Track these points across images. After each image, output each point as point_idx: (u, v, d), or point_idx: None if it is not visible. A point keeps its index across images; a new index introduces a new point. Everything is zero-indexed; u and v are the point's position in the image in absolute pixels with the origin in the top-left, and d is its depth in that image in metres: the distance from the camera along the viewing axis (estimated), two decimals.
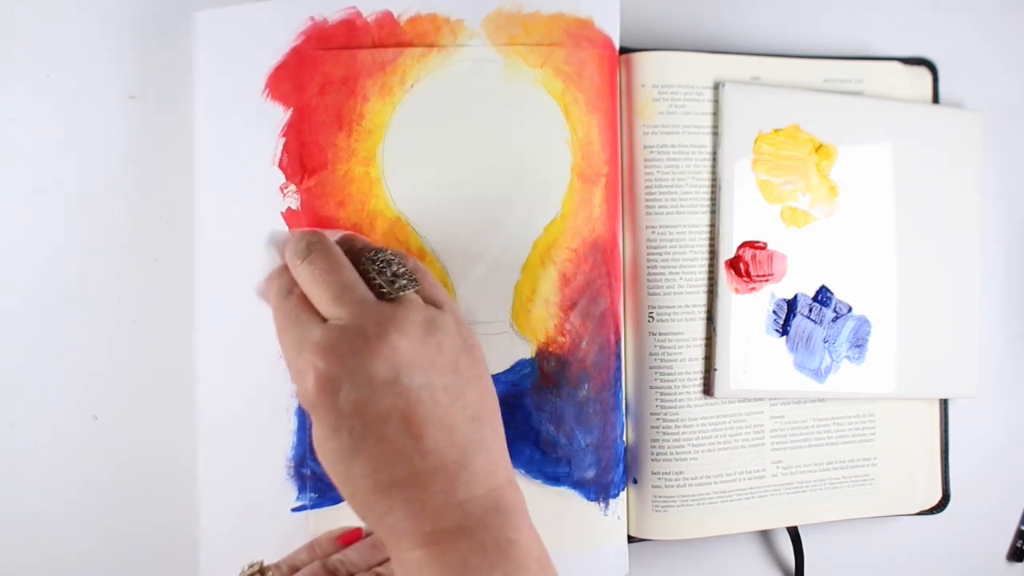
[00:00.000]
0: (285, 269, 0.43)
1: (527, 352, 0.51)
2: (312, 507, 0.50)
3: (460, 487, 0.38)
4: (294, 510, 0.50)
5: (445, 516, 0.38)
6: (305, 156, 0.50)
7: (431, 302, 0.42)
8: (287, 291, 0.41)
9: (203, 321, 0.50)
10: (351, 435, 0.37)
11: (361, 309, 0.39)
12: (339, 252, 0.42)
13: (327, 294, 0.40)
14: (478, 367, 0.41)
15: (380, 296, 0.41)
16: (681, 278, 0.54)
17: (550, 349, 0.52)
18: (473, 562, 0.37)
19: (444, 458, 0.38)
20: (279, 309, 0.41)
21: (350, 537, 0.50)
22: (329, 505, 0.50)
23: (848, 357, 0.57)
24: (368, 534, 0.50)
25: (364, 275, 0.41)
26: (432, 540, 0.38)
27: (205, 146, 0.50)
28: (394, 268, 0.42)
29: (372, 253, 0.42)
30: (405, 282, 0.41)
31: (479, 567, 0.37)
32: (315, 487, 0.50)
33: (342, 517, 0.50)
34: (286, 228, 0.48)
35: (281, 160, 0.50)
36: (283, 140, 0.50)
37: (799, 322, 0.56)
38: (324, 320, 0.40)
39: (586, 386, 0.52)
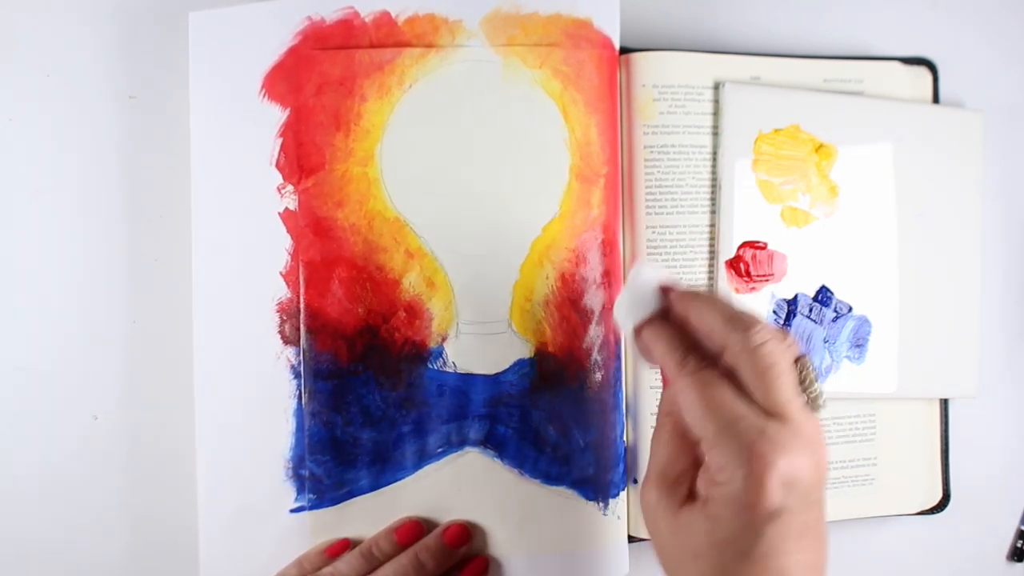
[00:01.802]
0: (674, 330, 0.42)
1: (526, 352, 0.51)
2: (310, 508, 0.50)
3: None
4: (292, 511, 0.50)
5: None
6: (303, 156, 0.50)
7: None
8: (705, 360, 0.40)
9: (201, 322, 0.50)
10: (766, 538, 0.37)
11: (807, 416, 0.39)
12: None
13: (781, 389, 0.38)
14: None
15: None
16: (681, 278, 0.54)
17: (549, 349, 0.52)
18: None
19: None
20: (701, 378, 0.40)
21: (338, 548, 0.50)
22: (327, 506, 0.50)
23: (848, 357, 0.57)
24: (355, 544, 0.50)
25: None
26: None
27: (201, 147, 0.50)
28: (818, 384, 0.41)
29: (805, 359, 0.41)
30: (822, 401, 0.41)
31: None
32: (313, 488, 0.50)
33: (340, 518, 0.50)
34: (653, 268, 0.45)
35: (279, 161, 0.50)
36: (280, 140, 0.50)
37: (799, 322, 0.56)
38: (754, 404, 0.39)
39: (585, 386, 0.52)
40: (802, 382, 0.40)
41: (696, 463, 0.41)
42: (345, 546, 0.50)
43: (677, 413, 0.42)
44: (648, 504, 0.42)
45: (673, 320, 0.43)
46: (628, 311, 0.44)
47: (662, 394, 0.45)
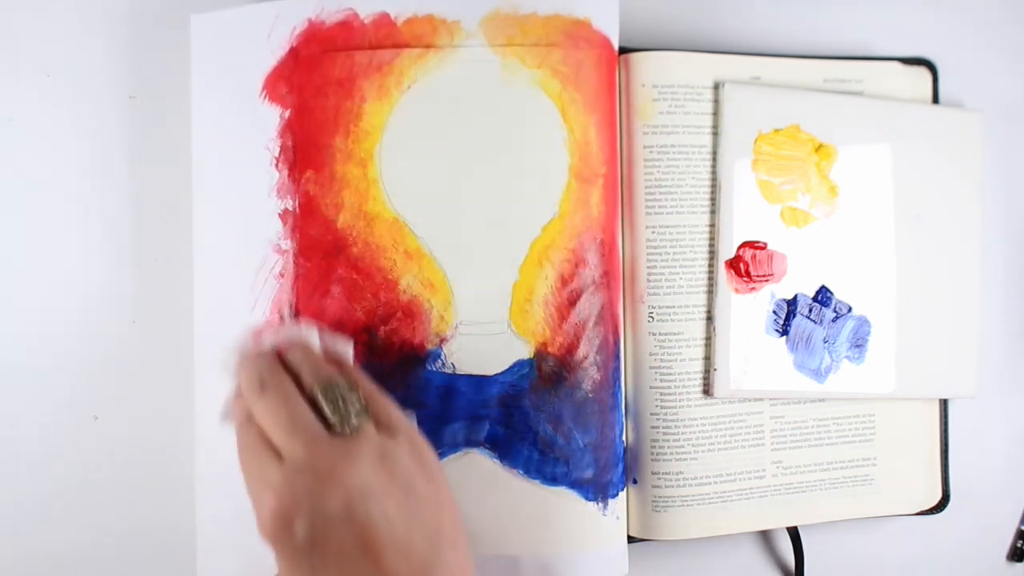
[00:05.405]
0: (242, 396, 0.44)
1: (525, 352, 0.51)
2: None
3: None
4: None
5: None
6: (303, 157, 0.50)
7: (385, 427, 0.42)
8: (246, 420, 0.42)
9: (201, 322, 0.50)
10: (312, 569, 0.38)
11: (313, 446, 0.40)
12: (291, 386, 0.42)
13: (281, 429, 0.41)
14: (434, 487, 0.42)
15: (332, 429, 0.41)
16: (681, 278, 0.54)
17: (548, 349, 0.52)
18: None
19: None
20: (240, 439, 0.42)
21: None
22: None
23: (848, 357, 0.57)
24: None
25: (318, 406, 0.42)
26: None
27: (201, 148, 0.50)
28: (346, 403, 0.42)
29: (323, 387, 0.42)
30: (355, 420, 0.42)
31: None
32: None
33: None
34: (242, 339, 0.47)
35: (279, 161, 0.50)
36: (280, 141, 0.50)
37: (799, 322, 0.56)
38: (279, 454, 0.41)
39: (584, 386, 0.52)
40: (331, 403, 0.42)
41: None
42: None
43: None
44: None
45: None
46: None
47: None
